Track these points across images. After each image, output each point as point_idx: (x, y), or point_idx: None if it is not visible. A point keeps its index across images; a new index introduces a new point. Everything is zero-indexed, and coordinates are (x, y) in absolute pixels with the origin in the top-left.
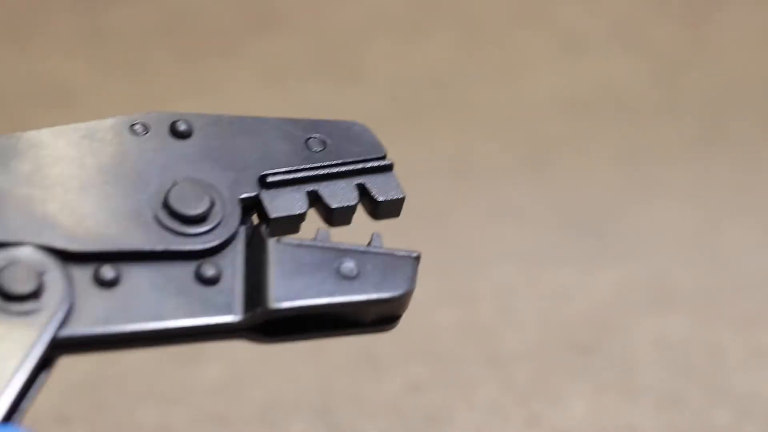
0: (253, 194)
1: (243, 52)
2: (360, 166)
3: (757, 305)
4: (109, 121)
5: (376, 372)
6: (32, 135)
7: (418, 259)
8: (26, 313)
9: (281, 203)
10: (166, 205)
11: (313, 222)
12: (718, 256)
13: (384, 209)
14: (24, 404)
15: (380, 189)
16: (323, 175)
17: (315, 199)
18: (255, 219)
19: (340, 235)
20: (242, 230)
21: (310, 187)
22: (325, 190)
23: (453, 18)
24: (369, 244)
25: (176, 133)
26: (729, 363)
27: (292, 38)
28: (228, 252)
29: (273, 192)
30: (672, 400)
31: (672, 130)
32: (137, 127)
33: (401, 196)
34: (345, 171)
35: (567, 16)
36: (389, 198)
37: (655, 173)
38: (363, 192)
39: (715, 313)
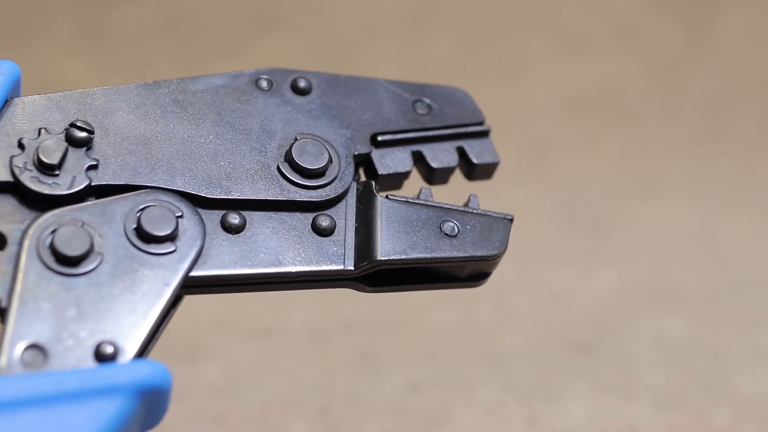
0: (365, 152)
1: (243, 52)
2: (461, 130)
3: (757, 305)
4: (234, 75)
5: (376, 372)
6: (166, 84)
7: (512, 221)
8: (163, 254)
9: (389, 162)
10: (289, 159)
11: (413, 179)
12: (718, 256)
13: (479, 171)
14: (155, 338)
15: (477, 153)
16: (427, 137)
17: (418, 159)
18: (362, 174)
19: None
20: (354, 185)
21: (415, 148)
22: (428, 151)
23: (453, 18)
24: (466, 204)
25: (297, 90)
26: (729, 363)
27: (292, 38)
28: (341, 205)
29: (382, 151)
30: (672, 400)
31: (672, 129)
32: (262, 82)
33: (496, 160)
34: (447, 134)
35: (567, 16)
36: (485, 161)
37: (656, 173)
38: (461, 154)
39: (715, 313)
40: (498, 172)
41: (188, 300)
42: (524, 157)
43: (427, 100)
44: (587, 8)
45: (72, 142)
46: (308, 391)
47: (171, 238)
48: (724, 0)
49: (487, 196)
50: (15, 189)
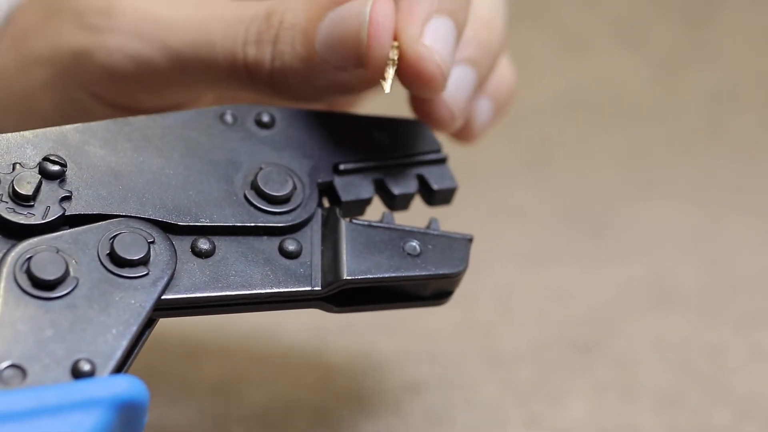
0: (328, 180)
1: None
2: (419, 158)
3: (757, 305)
4: (200, 111)
5: (376, 372)
6: (136, 120)
7: (471, 241)
8: (136, 278)
9: (351, 189)
10: (255, 187)
11: (376, 206)
12: (718, 256)
13: (438, 197)
14: (131, 357)
15: (436, 179)
16: (388, 165)
17: (379, 186)
18: (325, 202)
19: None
20: (318, 211)
21: (376, 176)
22: (389, 178)
23: None
24: (428, 226)
25: (260, 124)
26: (729, 363)
27: None
28: (307, 230)
29: (344, 179)
30: (672, 400)
31: (672, 130)
32: (227, 117)
33: (454, 185)
34: (406, 162)
35: (568, 16)
36: (444, 187)
37: (656, 173)
38: (421, 181)
39: (715, 313)
40: (498, 172)
41: None
42: (524, 157)
43: (386, 131)
44: (587, 8)
45: (45, 174)
46: (308, 391)
47: (143, 262)
48: (724, 0)
49: (487, 197)
50: None
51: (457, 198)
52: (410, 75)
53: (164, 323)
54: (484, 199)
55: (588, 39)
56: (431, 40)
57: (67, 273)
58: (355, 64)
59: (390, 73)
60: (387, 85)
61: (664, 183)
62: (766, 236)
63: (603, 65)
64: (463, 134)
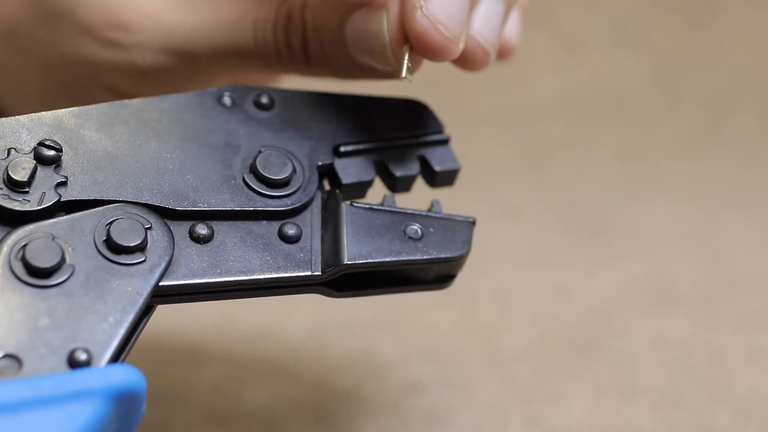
0: (328, 162)
1: None
2: (421, 139)
3: (757, 305)
4: (198, 93)
5: (376, 372)
6: (132, 103)
7: (474, 223)
8: (133, 264)
9: (352, 171)
10: (254, 170)
11: (377, 189)
12: (717, 256)
13: (441, 178)
14: (129, 346)
15: (438, 160)
16: (389, 146)
17: (381, 168)
18: (326, 185)
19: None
20: (318, 194)
21: (377, 158)
22: (390, 160)
23: None
24: (429, 209)
25: (259, 105)
26: (729, 363)
27: None
28: (307, 213)
29: (345, 161)
30: (672, 400)
31: (672, 129)
32: (225, 99)
33: (457, 167)
34: (408, 144)
35: (568, 16)
36: (446, 168)
37: (655, 173)
38: (423, 163)
39: (715, 313)
40: (498, 172)
41: None
42: (524, 157)
43: (388, 112)
44: (587, 8)
45: (40, 160)
46: (308, 391)
47: (140, 248)
48: (724, 1)
49: (487, 197)
50: None
51: (457, 197)
52: (420, 49)
53: (164, 323)
54: (483, 198)
55: (588, 39)
56: (437, 7)
57: (62, 260)
58: (385, 63)
59: (405, 58)
60: (403, 71)
61: (664, 183)
62: (766, 236)
63: (603, 65)
64: (500, 56)
